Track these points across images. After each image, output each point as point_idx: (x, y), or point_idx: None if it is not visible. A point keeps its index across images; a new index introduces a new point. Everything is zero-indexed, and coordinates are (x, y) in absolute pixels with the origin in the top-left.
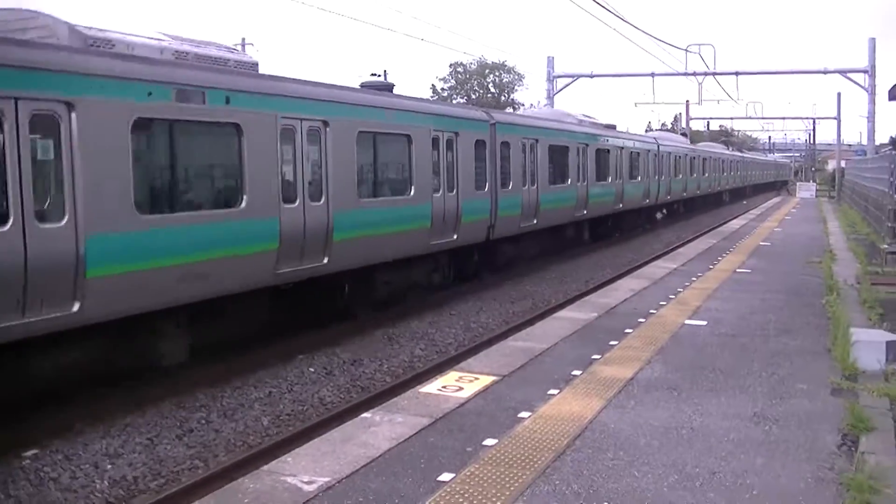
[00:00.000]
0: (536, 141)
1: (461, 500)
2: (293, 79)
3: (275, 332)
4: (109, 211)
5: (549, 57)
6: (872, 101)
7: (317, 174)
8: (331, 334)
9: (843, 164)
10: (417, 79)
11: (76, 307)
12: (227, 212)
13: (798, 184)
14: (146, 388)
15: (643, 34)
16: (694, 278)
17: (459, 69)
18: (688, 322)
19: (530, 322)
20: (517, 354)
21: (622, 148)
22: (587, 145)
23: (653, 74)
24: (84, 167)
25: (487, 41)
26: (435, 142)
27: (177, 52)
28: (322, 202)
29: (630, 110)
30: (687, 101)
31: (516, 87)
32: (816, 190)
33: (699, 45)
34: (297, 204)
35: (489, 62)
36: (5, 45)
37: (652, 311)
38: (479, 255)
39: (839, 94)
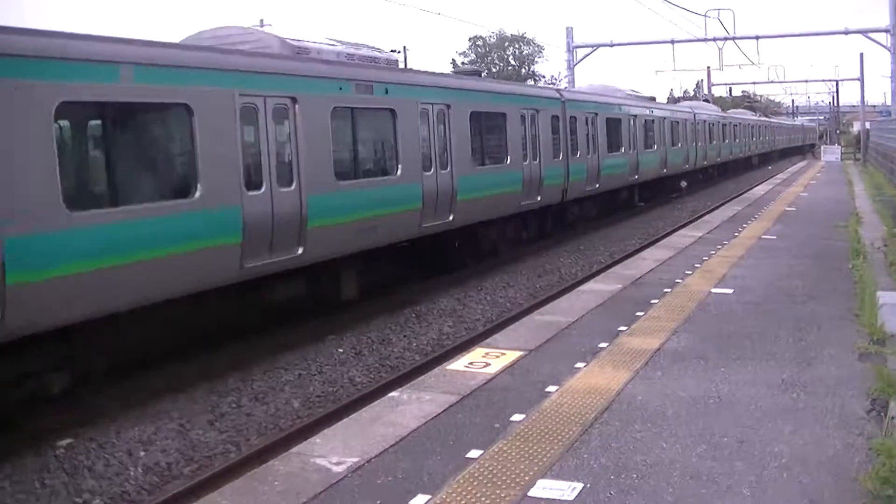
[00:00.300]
0: (596, 115)
1: (490, 476)
2: (425, 72)
3: (305, 313)
4: (319, 178)
5: (567, 27)
6: (895, 61)
7: (443, 144)
8: (360, 314)
9: (867, 125)
10: (436, 54)
11: (300, 251)
12: (386, 178)
13: (823, 147)
14: (177, 374)
15: (661, 1)
16: (720, 246)
17: (479, 43)
18: (714, 290)
19: (556, 296)
20: (543, 329)
21: (664, 118)
22: (636, 117)
23: (672, 41)
24: (304, 146)
25: (506, 14)
26: (522, 118)
27: (347, 54)
28: (448, 170)
29: (651, 78)
30: (708, 67)
31: (536, 59)
32: (842, 153)
33: (718, 10)
34: (431, 172)
35: (508, 35)
36: (258, 57)
37: (678, 280)
38: (555, 215)
39: (861, 55)
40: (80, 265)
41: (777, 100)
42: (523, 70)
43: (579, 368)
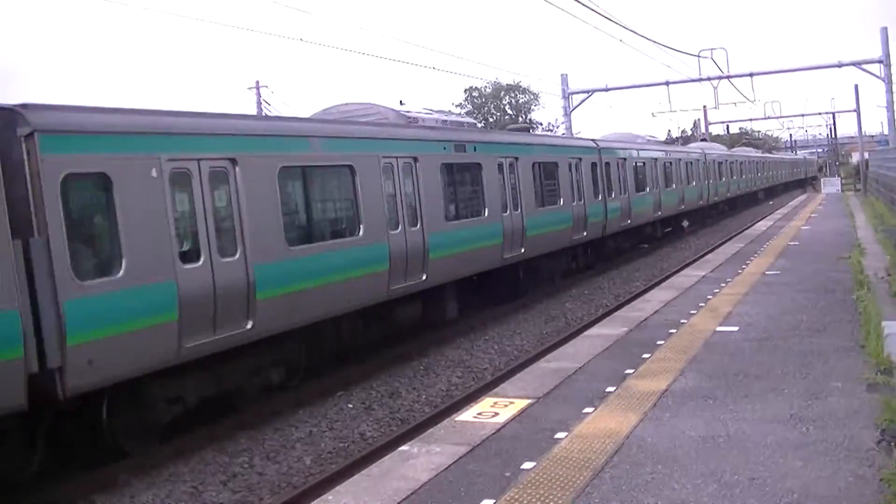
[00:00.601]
0: (625, 160)
1: None
2: (499, 131)
3: (312, 371)
4: (436, 218)
5: (562, 74)
6: (890, 91)
7: (513, 190)
8: (368, 368)
9: (866, 155)
10: (433, 106)
11: (424, 277)
12: (478, 219)
13: (823, 179)
14: (187, 437)
15: (654, 44)
16: (723, 284)
17: (475, 94)
18: (719, 329)
19: (563, 342)
20: (550, 375)
21: (680, 160)
22: (656, 160)
23: (667, 83)
24: (423, 194)
25: (500, 64)
26: (570, 166)
27: (442, 120)
28: (519, 212)
29: (648, 120)
30: (704, 106)
31: (532, 107)
32: (842, 184)
33: (711, 49)
34: (507, 213)
35: (503, 84)
36: (390, 127)
37: (683, 320)
38: (595, 248)
39: (856, 87)
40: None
41: (774, 135)
42: (520, 118)
43: (588, 413)
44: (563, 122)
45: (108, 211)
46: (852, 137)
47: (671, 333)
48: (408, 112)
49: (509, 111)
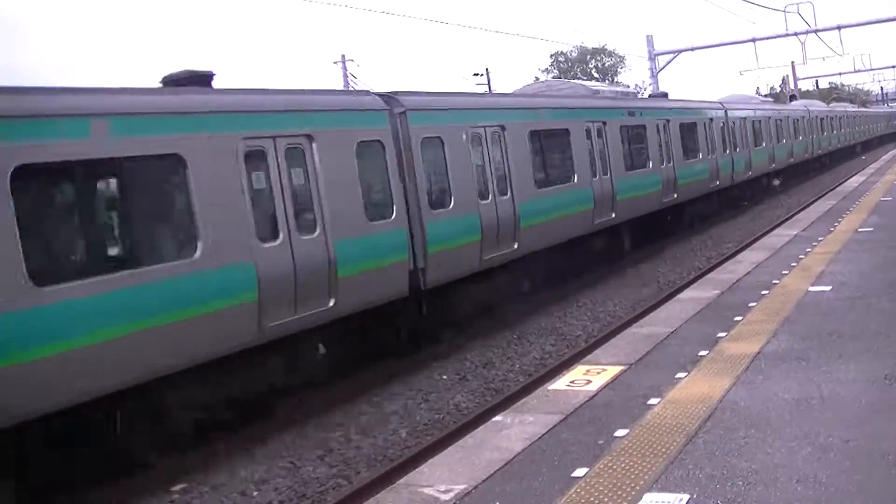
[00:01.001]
0: (745, 119)
1: (596, 493)
2: (646, 98)
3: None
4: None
5: (648, 36)
6: None
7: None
8: (461, 339)
9: None
10: (520, 72)
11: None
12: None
13: None
14: (286, 412)
15: (739, 0)
16: (815, 243)
17: (560, 59)
18: (811, 289)
19: (655, 307)
20: (642, 341)
21: (788, 117)
22: (770, 118)
23: (753, 39)
24: (613, 152)
25: (585, 28)
26: (704, 125)
27: (613, 91)
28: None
29: (736, 78)
30: (792, 62)
31: (619, 70)
32: None
33: (798, 3)
34: (664, 165)
35: (589, 48)
36: (588, 98)
37: (775, 281)
38: (725, 195)
39: None
40: (543, 217)
41: (865, 88)
42: (606, 81)
43: (680, 378)
44: (650, 84)
45: (441, 160)
46: None
47: (763, 295)
48: (593, 86)
49: (595, 74)
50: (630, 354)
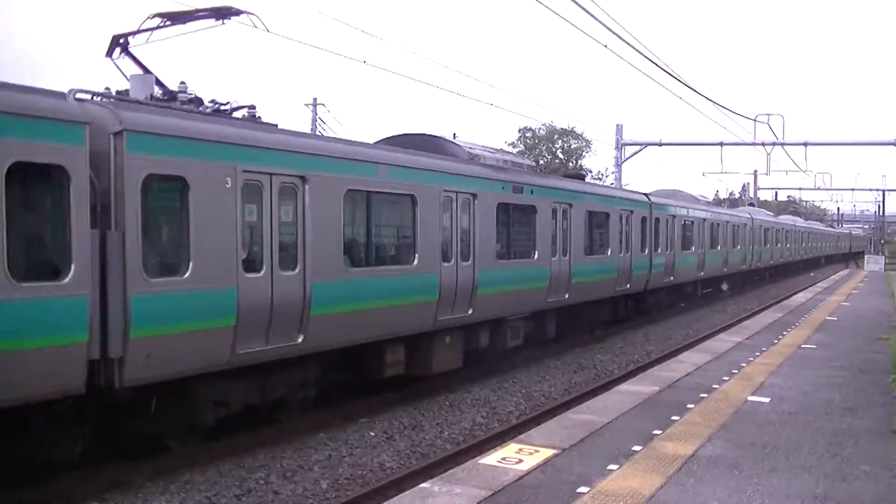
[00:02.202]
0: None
1: None
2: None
3: (338, 393)
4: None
5: (617, 125)
6: None
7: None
8: (392, 397)
9: None
10: (485, 142)
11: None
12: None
13: (866, 256)
14: (206, 446)
15: (711, 104)
16: (758, 353)
17: (528, 134)
18: (751, 398)
19: (592, 394)
20: (578, 427)
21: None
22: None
23: (721, 144)
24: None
25: (556, 107)
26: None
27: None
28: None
29: (697, 179)
30: (755, 170)
31: (584, 154)
32: (886, 263)
33: (768, 114)
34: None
35: (558, 128)
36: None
37: (715, 385)
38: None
39: None
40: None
41: (822, 206)
42: (570, 164)
43: (612, 470)
44: (613, 172)
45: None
46: None
47: (702, 398)
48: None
49: (561, 155)
50: (564, 439)
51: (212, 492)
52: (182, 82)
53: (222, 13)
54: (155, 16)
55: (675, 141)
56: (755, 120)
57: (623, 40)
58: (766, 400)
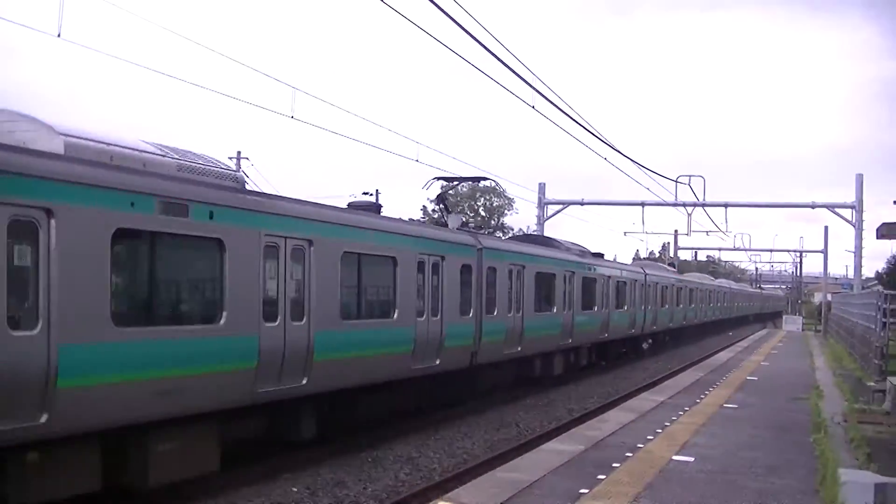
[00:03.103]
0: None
1: None
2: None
3: (259, 450)
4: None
5: (540, 183)
6: (859, 237)
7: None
8: (315, 454)
9: (829, 297)
10: (408, 197)
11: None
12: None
13: (784, 316)
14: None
15: (634, 164)
16: (681, 412)
17: (450, 192)
18: (675, 457)
19: (518, 451)
20: (505, 485)
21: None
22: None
23: (643, 204)
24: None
25: (480, 164)
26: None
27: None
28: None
29: (619, 238)
30: (675, 231)
31: (506, 212)
32: (803, 323)
33: (689, 176)
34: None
35: (480, 185)
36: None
37: (639, 444)
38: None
39: (826, 228)
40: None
41: (741, 266)
42: (492, 221)
43: None
44: (535, 231)
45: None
46: (817, 277)
47: (627, 457)
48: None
49: (482, 213)
50: (492, 497)
51: None
52: None
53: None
54: None
55: (598, 200)
56: (677, 181)
57: (548, 100)
58: (691, 459)
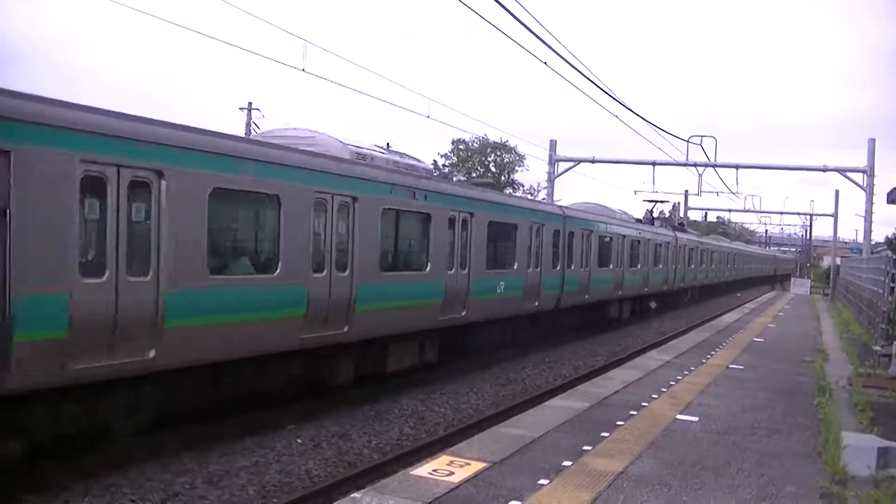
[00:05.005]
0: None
1: None
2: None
3: (264, 400)
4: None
5: (551, 140)
6: (870, 201)
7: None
8: (320, 406)
9: (838, 261)
10: (420, 152)
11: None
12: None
13: (793, 279)
14: (131, 448)
15: (645, 123)
16: (686, 372)
17: (461, 146)
18: (679, 417)
19: (521, 408)
20: (508, 441)
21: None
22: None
23: (654, 163)
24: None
25: (491, 120)
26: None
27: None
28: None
29: (630, 197)
30: (686, 191)
31: (517, 168)
32: (811, 286)
33: (701, 136)
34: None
35: (491, 141)
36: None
37: (644, 403)
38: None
39: (837, 193)
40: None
41: (751, 228)
42: (503, 177)
43: (542, 485)
44: (545, 188)
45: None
46: (826, 241)
47: (632, 415)
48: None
49: (493, 169)
50: (495, 452)
51: (136, 495)
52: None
53: None
54: None
55: (609, 158)
56: (688, 141)
57: (561, 57)
58: (695, 419)
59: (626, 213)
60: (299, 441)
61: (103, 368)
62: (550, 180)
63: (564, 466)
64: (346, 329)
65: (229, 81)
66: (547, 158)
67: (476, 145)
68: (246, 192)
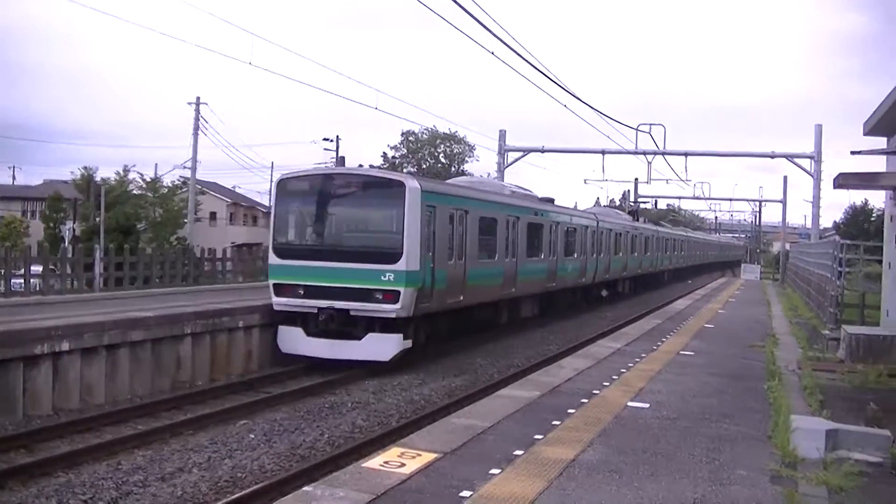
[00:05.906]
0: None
1: None
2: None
3: (215, 393)
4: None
5: (500, 130)
6: (817, 187)
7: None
8: (272, 400)
9: (787, 246)
10: (369, 144)
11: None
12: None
13: (743, 265)
14: (83, 448)
15: (594, 112)
16: (637, 359)
17: (411, 138)
18: (630, 404)
19: (473, 398)
20: (460, 431)
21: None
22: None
23: (603, 152)
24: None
25: (440, 111)
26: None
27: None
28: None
29: (579, 186)
30: (636, 178)
31: (467, 159)
32: (761, 272)
33: (650, 124)
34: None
35: (440, 132)
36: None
37: (595, 391)
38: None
39: (785, 178)
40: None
41: (701, 215)
42: (453, 168)
43: (494, 475)
44: (496, 177)
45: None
46: (775, 226)
47: (583, 403)
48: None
49: (443, 160)
50: (447, 443)
51: (88, 494)
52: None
53: None
54: None
55: (558, 147)
56: (637, 129)
57: (509, 47)
58: (646, 405)
59: (526, 190)
60: (252, 436)
61: (452, 304)
62: (500, 170)
63: (516, 455)
64: (513, 290)
65: (176, 75)
66: (497, 148)
67: (426, 136)
68: (486, 217)
